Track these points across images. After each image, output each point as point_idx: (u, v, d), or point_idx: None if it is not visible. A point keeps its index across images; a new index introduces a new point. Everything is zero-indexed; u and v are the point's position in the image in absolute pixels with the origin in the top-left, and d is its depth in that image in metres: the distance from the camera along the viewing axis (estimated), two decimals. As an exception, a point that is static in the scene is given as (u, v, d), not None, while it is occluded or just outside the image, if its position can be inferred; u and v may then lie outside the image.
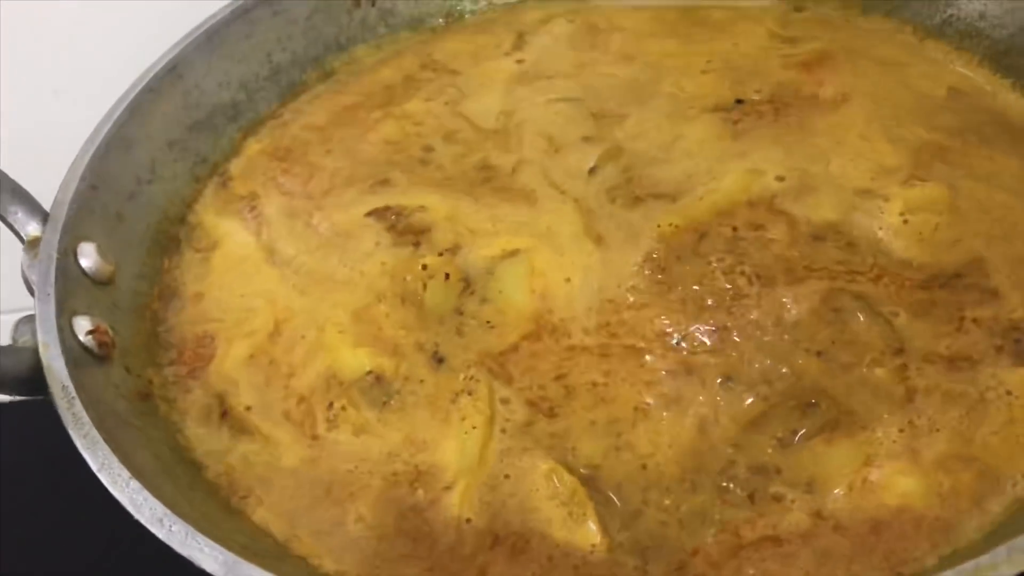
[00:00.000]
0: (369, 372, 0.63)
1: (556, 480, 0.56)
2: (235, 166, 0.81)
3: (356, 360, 0.64)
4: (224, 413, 0.64)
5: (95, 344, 0.62)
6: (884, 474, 0.53)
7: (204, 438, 0.63)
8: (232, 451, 0.62)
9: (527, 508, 0.55)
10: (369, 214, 0.72)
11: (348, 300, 0.67)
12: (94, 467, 0.53)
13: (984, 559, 0.43)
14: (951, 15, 0.79)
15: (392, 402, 0.61)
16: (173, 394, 0.65)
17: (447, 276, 0.66)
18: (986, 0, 0.77)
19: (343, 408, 0.62)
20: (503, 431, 0.59)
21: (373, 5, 0.90)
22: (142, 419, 0.62)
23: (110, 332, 0.64)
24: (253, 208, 0.76)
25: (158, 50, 0.80)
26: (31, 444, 0.82)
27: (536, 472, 0.56)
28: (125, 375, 0.64)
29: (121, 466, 0.53)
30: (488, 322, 0.64)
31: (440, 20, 0.93)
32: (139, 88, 0.76)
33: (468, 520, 0.55)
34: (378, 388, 0.62)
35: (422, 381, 0.62)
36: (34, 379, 0.58)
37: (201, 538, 0.49)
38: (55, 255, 0.64)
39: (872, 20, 0.82)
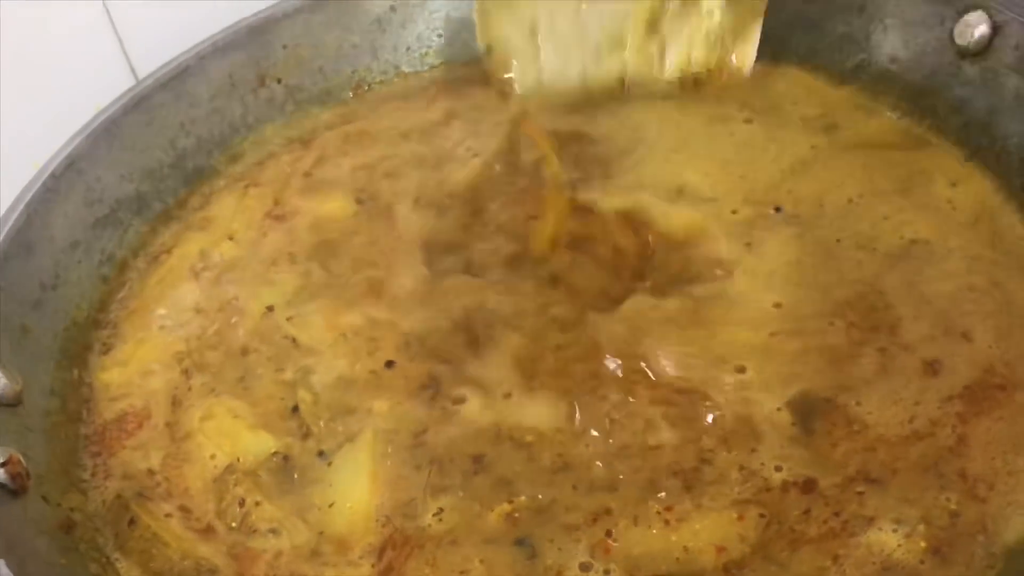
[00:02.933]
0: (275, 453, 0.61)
1: None
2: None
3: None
4: (131, 521, 0.59)
5: (8, 478, 0.56)
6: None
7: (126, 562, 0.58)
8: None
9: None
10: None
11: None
12: (20, 627, 0.48)
13: None
14: (862, 59, 0.80)
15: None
16: (95, 506, 0.61)
17: None
18: (896, 43, 0.78)
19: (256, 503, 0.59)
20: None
21: (279, 83, 0.87)
22: (68, 555, 0.57)
23: (23, 461, 0.58)
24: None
25: (53, 144, 0.75)
26: None
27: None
28: (44, 506, 0.58)
29: (51, 622, 0.47)
30: None
31: (349, 93, 0.90)
32: (36, 187, 0.71)
33: None
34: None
35: None
36: (-60, 528, 0.53)
37: None
38: (-46, 381, 0.59)
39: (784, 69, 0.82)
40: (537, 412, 0.61)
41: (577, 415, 0.60)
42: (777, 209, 0.71)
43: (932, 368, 0.60)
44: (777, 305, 0.64)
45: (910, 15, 0.77)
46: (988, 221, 0.68)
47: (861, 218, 0.69)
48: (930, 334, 0.62)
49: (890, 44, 0.78)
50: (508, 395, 0.62)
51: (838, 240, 0.68)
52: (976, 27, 0.72)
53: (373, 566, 0.55)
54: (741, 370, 0.61)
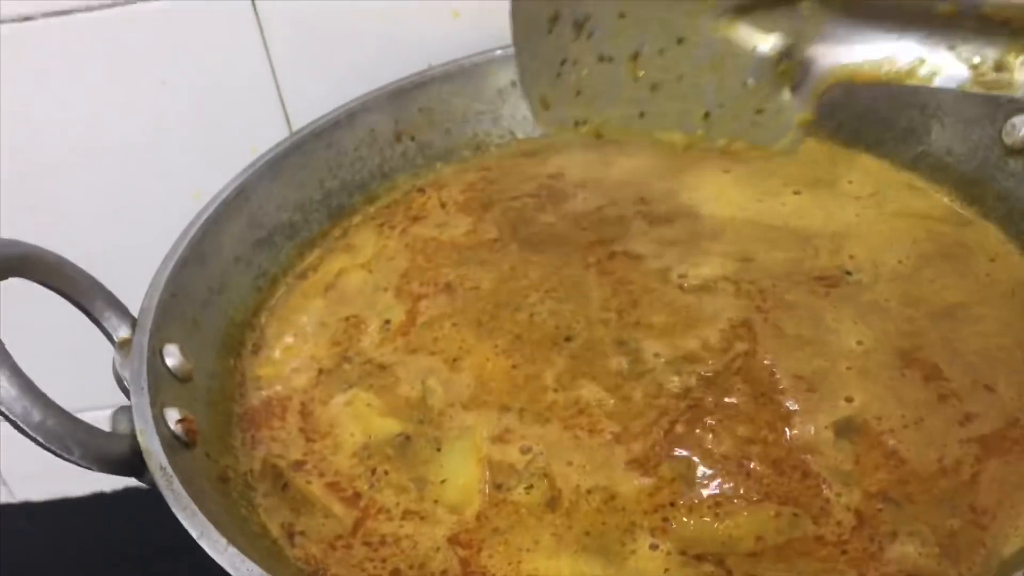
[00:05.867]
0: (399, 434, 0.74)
1: None
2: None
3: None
4: (284, 486, 0.72)
5: (183, 432, 0.70)
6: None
7: (272, 511, 0.71)
8: (301, 527, 0.70)
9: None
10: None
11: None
12: (195, 535, 0.60)
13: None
14: (922, 151, 0.91)
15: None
16: (245, 467, 0.74)
17: None
18: (952, 138, 0.89)
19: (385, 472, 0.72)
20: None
21: (412, 140, 1.02)
22: (226, 500, 0.70)
23: (194, 421, 0.72)
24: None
25: (215, 179, 0.90)
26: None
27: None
28: (207, 460, 0.72)
29: (218, 534, 0.60)
30: None
31: (469, 152, 1.05)
32: (211, 209, 0.86)
33: None
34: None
35: None
36: (133, 462, 0.66)
37: (296, 593, 0.56)
38: (145, 354, 0.73)
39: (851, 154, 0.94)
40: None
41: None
42: (848, 273, 0.81)
43: (967, 416, 0.69)
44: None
45: (965, 115, 0.88)
46: (1022, 296, 0.77)
47: (909, 279, 0.79)
48: (960, 384, 0.71)
49: (947, 139, 0.89)
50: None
51: (887, 299, 0.78)
52: (1021, 128, 0.83)
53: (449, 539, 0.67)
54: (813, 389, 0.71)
